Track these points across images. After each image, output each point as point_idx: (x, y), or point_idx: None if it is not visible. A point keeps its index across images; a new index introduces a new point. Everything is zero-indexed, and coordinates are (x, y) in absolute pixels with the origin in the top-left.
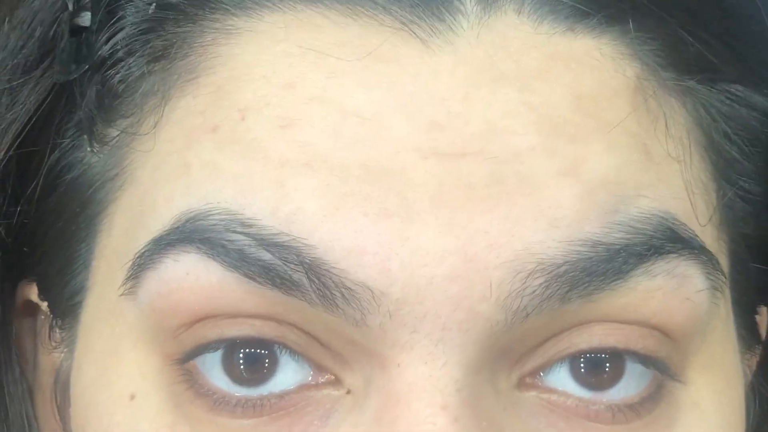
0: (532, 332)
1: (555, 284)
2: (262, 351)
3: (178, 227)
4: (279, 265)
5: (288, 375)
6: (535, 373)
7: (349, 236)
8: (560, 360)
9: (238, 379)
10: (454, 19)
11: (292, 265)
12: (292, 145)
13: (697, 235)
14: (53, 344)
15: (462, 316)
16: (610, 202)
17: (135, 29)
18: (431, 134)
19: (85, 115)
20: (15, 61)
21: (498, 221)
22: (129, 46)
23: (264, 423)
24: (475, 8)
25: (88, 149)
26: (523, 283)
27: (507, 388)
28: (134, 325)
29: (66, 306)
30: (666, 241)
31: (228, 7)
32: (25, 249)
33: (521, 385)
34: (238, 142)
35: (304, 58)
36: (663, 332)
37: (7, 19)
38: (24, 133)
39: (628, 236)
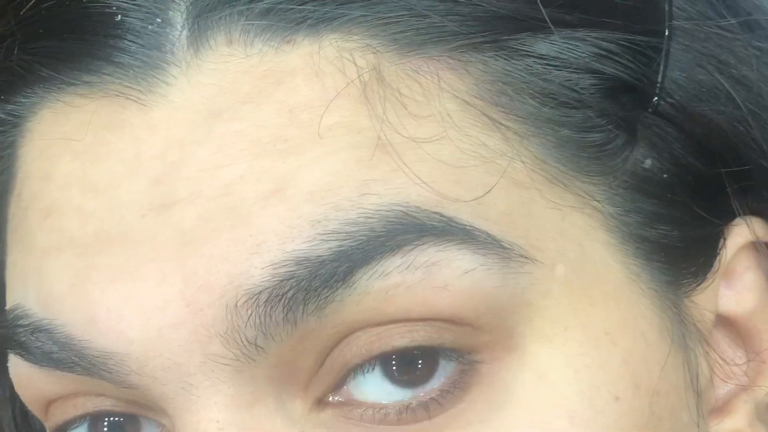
0: (295, 356)
1: (266, 311)
2: (120, 419)
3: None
4: (50, 348)
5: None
6: (334, 389)
7: (84, 308)
8: (352, 371)
9: None
10: (165, 71)
11: (56, 346)
12: (50, 233)
13: (448, 217)
14: None
15: (198, 359)
16: (319, 212)
17: None
18: (150, 190)
19: None
20: None
21: (205, 260)
22: None
23: None
24: (185, 54)
25: None
26: (235, 317)
27: (303, 412)
28: None
29: None
30: (397, 234)
31: (22, 111)
32: None
33: (321, 404)
34: (22, 238)
35: (56, 147)
36: (448, 321)
37: None
38: None
39: (342, 243)
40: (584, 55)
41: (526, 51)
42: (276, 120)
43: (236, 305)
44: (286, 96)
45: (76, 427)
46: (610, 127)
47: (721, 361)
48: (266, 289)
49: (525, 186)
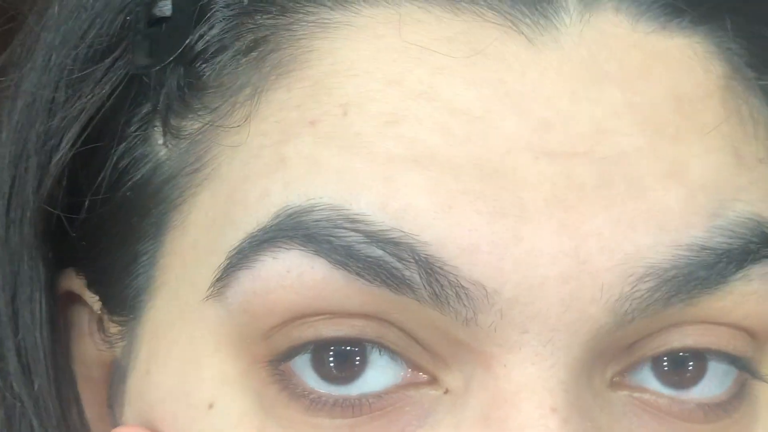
0: (632, 333)
1: (663, 288)
2: (353, 348)
3: (277, 223)
4: (390, 262)
5: (379, 373)
6: (623, 372)
7: (464, 234)
8: (645, 359)
9: (327, 377)
10: (557, 16)
11: (404, 262)
12: (398, 141)
13: None
14: (106, 339)
15: (572, 317)
16: (711, 205)
17: (227, 22)
18: (541, 133)
19: (163, 107)
20: (76, 50)
21: (609, 223)
22: (221, 39)
23: (361, 423)
24: (577, 5)
25: (160, 143)
26: (633, 287)
27: (601, 388)
28: (217, 328)
29: (126, 302)
30: (762, 245)
31: (323, 0)
32: (83, 242)
33: (612, 384)
34: (341, 137)
35: (408, 53)
36: (749, 333)
37: (57, 3)
38: (92, 125)
39: (729, 240)
40: None
41: None
42: (666, 104)
43: (639, 276)
44: (672, 82)
45: (303, 353)
46: None
47: None
48: (668, 269)
49: None
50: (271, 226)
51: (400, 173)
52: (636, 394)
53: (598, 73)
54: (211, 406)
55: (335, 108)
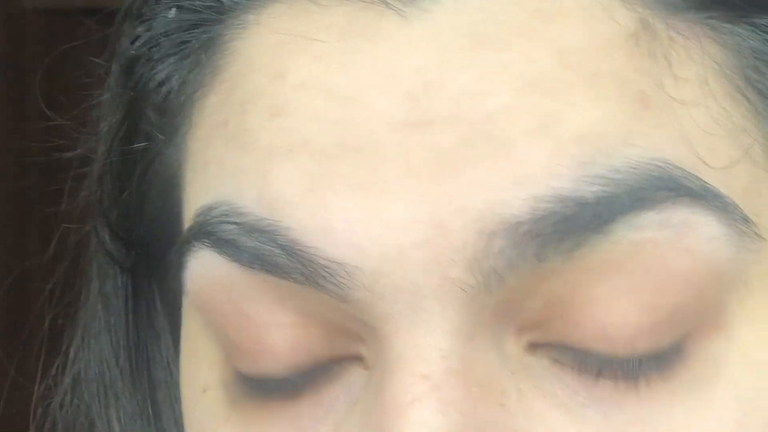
0: (524, 294)
1: (522, 242)
2: None
3: (192, 225)
4: (265, 251)
5: None
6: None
7: (320, 215)
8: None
9: None
10: None
11: (273, 249)
12: (279, 133)
13: (704, 181)
14: None
15: (435, 282)
16: (585, 154)
17: (166, 40)
18: (404, 106)
19: (151, 137)
20: None
21: (463, 185)
22: (162, 55)
23: (306, 403)
24: None
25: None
26: (488, 243)
27: (517, 353)
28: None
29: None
30: (657, 190)
31: (243, 2)
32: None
33: (532, 348)
34: (239, 135)
35: (294, 45)
36: (677, 284)
37: None
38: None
39: (605, 189)
40: None
41: None
42: (545, 58)
43: (492, 232)
44: (557, 36)
45: None
46: None
47: None
48: (526, 221)
49: (760, 166)
50: (189, 228)
51: (276, 164)
52: (557, 354)
53: (472, 38)
54: (204, 390)
55: (238, 107)
